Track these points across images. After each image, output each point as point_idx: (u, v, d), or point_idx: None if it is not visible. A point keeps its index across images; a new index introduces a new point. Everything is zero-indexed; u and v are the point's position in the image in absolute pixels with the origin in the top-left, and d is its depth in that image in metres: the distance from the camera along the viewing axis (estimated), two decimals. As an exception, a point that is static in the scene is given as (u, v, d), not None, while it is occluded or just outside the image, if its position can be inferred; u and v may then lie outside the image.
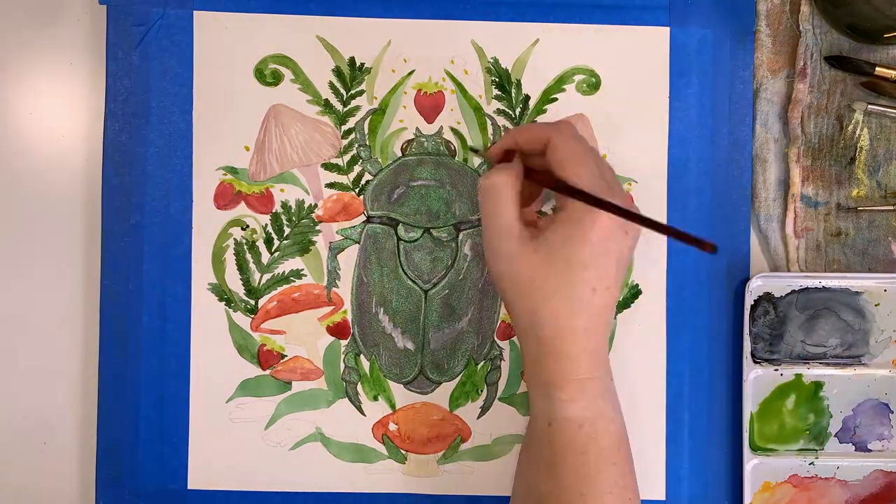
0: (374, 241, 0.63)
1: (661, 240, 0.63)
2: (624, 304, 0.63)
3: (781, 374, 0.63)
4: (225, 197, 0.63)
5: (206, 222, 0.63)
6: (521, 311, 0.53)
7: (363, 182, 0.63)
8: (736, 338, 0.63)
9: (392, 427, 0.63)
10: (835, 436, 0.64)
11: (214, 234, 0.63)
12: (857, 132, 0.63)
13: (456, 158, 0.63)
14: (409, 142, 0.63)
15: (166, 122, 0.62)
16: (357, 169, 0.63)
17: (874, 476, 0.64)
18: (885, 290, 0.63)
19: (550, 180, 0.53)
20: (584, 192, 0.51)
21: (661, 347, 0.63)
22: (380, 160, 0.63)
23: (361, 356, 0.63)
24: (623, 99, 0.64)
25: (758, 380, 0.63)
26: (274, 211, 0.63)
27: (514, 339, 0.63)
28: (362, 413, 0.63)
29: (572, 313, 0.51)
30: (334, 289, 0.63)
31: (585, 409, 0.53)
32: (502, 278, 0.53)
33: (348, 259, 0.63)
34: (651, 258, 0.63)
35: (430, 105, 0.63)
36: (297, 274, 0.63)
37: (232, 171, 0.63)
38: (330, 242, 0.63)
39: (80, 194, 0.63)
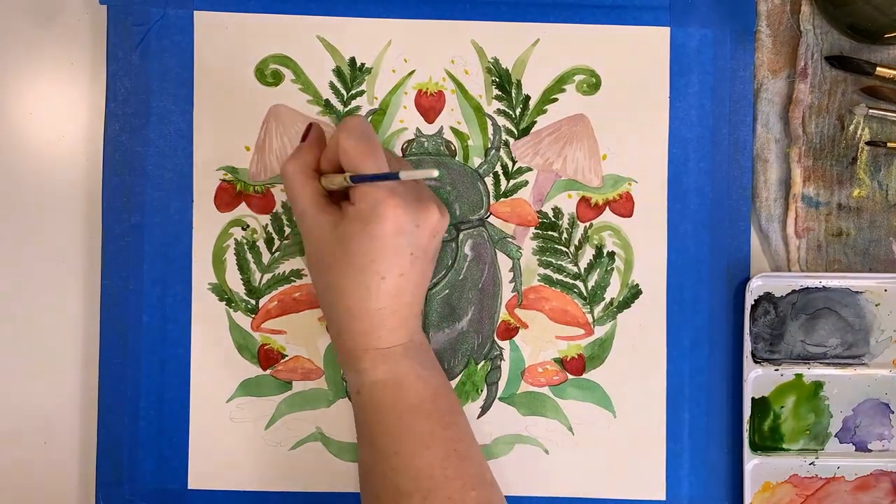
0: (374, 241, 0.63)
1: (662, 240, 0.63)
2: (624, 304, 0.63)
3: (781, 374, 0.63)
4: (225, 197, 0.63)
5: (207, 222, 0.63)
6: (320, 288, 0.57)
7: (363, 182, 0.63)
8: (736, 338, 0.63)
9: (392, 427, 0.63)
10: (835, 436, 0.64)
11: (215, 234, 0.63)
12: (859, 133, 0.63)
13: (456, 158, 0.63)
14: (410, 142, 0.63)
15: (166, 122, 0.62)
16: (357, 169, 0.63)
17: (874, 476, 0.64)
18: (886, 290, 0.63)
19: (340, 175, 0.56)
20: (363, 177, 0.54)
21: (661, 347, 0.63)
22: (380, 160, 0.63)
23: (362, 356, 0.63)
24: (623, 99, 0.64)
25: (758, 380, 0.63)
26: (274, 211, 0.63)
27: (515, 339, 0.63)
28: (362, 413, 0.63)
29: (364, 297, 0.54)
30: (335, 289, 0.63)
31: (388, 372, 0.56)
32: (306, 251, 0.57)
33: (348, 259, 0.63)
34: (651, 258, 0.63)
35: (430, 105, 0.63)
36: (298, 274, 0.63)
37: (232, 171, 0.63)
38: (330, 242, 0.63)
39: (81, 194, 0.63)
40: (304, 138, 0.59)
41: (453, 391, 0.58)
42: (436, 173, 0.49)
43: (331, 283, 0.55)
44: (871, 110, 0.63)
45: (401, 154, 0.63)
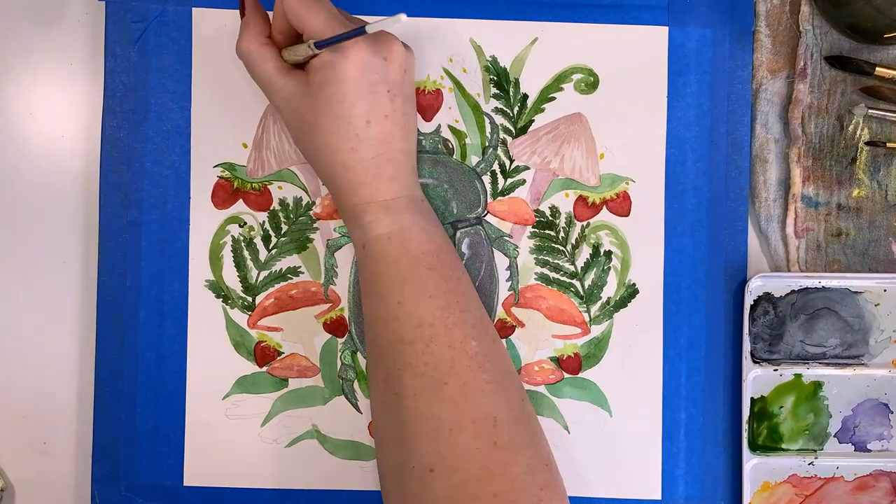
0: (371, 238, 0.63)
1: (659, 240, 0.63)
2: (621, 304, 0.63)
3: (781, 375, 0.63)
4: (223, 194, 0.63)
5: (204, 219, 0.63)
6: (307, 151, 0.57)
7: (361, 180, 0.63)
8: (735, 338, 0.63)
9: (388, 425, 0.63)
10: (834, 436, 0.63)
11: (212, 231, 0.63)
12: (858, 133, 0.63)
13: (454, 157, 0.63)
14: (408, 140, 0.63)
15: (164, 119, 0.63)
16: (355, 167, 0.63)
17: (874, 476, 0.63)
18: (885, 290, 0.63)
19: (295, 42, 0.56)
20: (324, 41, 0.53)
21: (657, 347, 0.63)
22: (377, 158, 0.63)
23: (358, 353, 0.63)
24: (621, 98, 0.64)
25: (757, 380, 0.63)
26: (272, 208, 0.63)
27: (512, 338, 0.63)
28: (358, 410, 0.63)
29: (354, 146, 0.55)
30: (331, 286, 0.63)
31: (392, 224, 0.56)
32: (287, 126, 0.58)
33: (346, 256, 0.63)
34: (648, 258, 0.63)
35: (427, 103, 0.63)
36: (295, 271, 0.63)
37: (230, 168, 0.63)
38: (327, 240, 0.63)
39: (79, 192, 0.64)
40: (241, 14, 0.58)
41: (455, 251, 0.58)
42: (403, 17, 0.49)
43: (318, 143, 0.55)
44: (870, 110, 0.63)
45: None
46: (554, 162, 0.63)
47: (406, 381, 0.54)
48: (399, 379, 0.54)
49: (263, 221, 0.63)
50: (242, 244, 0.63)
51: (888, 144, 0.63)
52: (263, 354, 0.63)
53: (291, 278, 0.63)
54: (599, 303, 0.63)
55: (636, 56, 0.64)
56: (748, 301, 0.62)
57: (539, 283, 0.63)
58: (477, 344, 0.55)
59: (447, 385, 0.53)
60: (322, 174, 0.58)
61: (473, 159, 0.63)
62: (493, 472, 0.52)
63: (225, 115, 0.63)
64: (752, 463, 0.62)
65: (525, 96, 0.63)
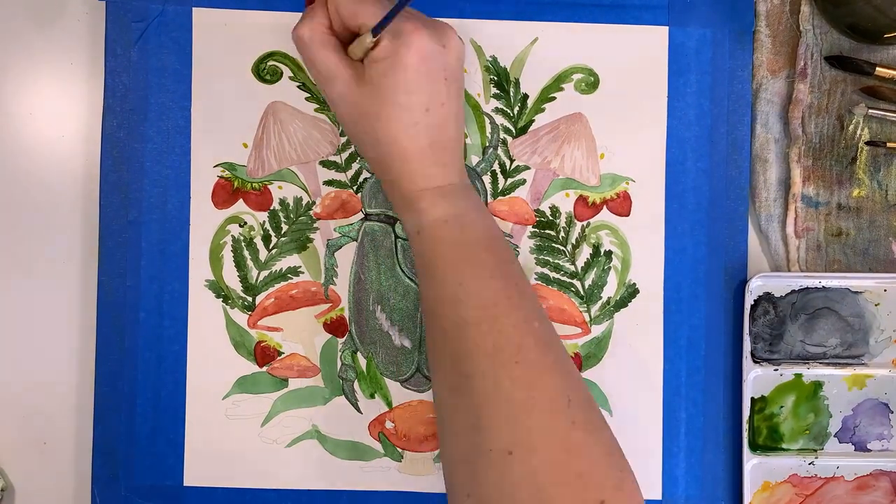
0: (371, 238, 0.63)
1: (659, 240, 0.63)
2: (621, 304, 0.63)
3: (781, 374, 0.63)
4: (223, 194, 0.63)
5: (204, 219, 0.63)
6: (365, 143, 0.57)
7: (361, 179, 0.63)
8: (735, 338, 0.63)
9: (388, 425, 0.63)
10: (834, 436, 0.63)
11: (212, 231, 0.63)
12: (858, 132, 0.63)
13: (454, 157, 0.63)
14: (408, 140, 0.63)
15: (164, 119, 0.62)
16: (355, 166, 0.63)
17: (874, 476, 0.63)
18: (885, 290, 0.63)
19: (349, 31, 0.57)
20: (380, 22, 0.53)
21: (657, 347, 0.63)
22: (378, 158, 0.63)
23: (358, 353, 0.63)
24: (621, 98, 0.64)
25: (757, 380, 0.63)
26: (272, 208, 0.63)
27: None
28: (359, 411, 0.63)
29: (412, 135, 0.55)
30: (332, 286, 0.63)
31: (448, 208, 0.56)
32: (341, 118, 0.57)
33: (346, 257, 0.63)
34: (648, 258, 0.63)
35: (428, 103, 0.63)
36: (295, 271, 0.63)
37: (230, 167, 0.63)
38: (328, 240, 0.63)
39: (79, 191, 0.64)
40: (307, 3, 0.58)
41: (504, 237, 0.59)
42: None
43: (377, 134, 0.55)
44: (870, 110, 0.63)
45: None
46: (554, 162, 0.63)
47: (475, 363, 0.53)
48: (467, 361, 0.53)
49: (263, 221, 0.63)
50: (242, 244, 0.63)
51: (888, 144, 0.63)
52: (263, 354, 0.63)
53: (291, 278, 0.63)
54: (600, 303, 0.63)
55: (636, 56, 0.64)
56: (748, 301, 0.62)
57: (539, 282, 0.63)
58: (539, 325, 0.54)
59: (518, 364, 0.52)
60: (377, 164, 0.57)
61: (474, 159, 0.63)
62: (574, 453, 0.51)
63: (225, 115, 0.63)
64: (752, 463, 0.62)
65: (525, 96, 0.63)
